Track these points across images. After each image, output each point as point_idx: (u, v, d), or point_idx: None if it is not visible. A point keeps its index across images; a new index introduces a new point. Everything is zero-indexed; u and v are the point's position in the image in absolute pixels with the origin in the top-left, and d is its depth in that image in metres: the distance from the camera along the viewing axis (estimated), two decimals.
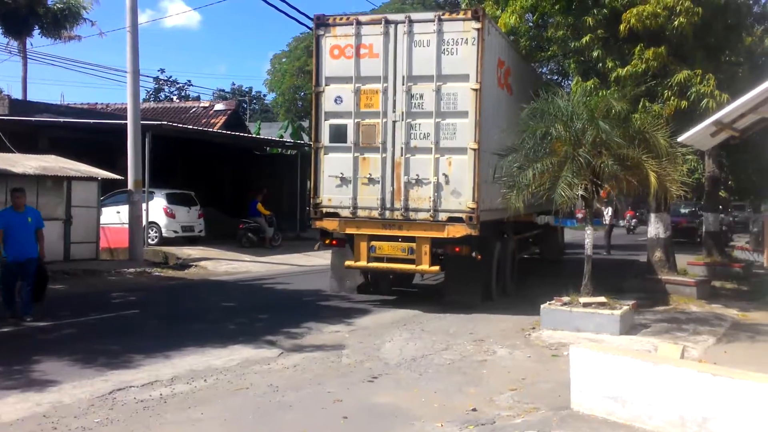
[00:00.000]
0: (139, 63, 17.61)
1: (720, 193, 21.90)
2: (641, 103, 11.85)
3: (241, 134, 28.13)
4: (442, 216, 11.16)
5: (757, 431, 4.85)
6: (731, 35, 13.48)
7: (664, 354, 7.60)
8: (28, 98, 26.90)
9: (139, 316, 11.19)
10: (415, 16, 11.63)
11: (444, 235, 11.13)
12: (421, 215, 11.27)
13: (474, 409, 6.22)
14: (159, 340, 8.82)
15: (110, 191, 19.07)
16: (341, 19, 11.79)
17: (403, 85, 11.33)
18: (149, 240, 19.38)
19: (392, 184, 11.42)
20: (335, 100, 11.67)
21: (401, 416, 6.08)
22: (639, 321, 10.34)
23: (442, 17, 11.20)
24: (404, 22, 11.31)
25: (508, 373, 7.60)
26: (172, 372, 7.33)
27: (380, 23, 11.42)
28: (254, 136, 30.45)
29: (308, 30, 30.10)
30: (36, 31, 28.31)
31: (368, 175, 11.51)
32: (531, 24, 15.18)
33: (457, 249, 11.29)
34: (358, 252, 11.60)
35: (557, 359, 8.15)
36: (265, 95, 57.29)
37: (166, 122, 21.50)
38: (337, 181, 11.64)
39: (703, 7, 11.90)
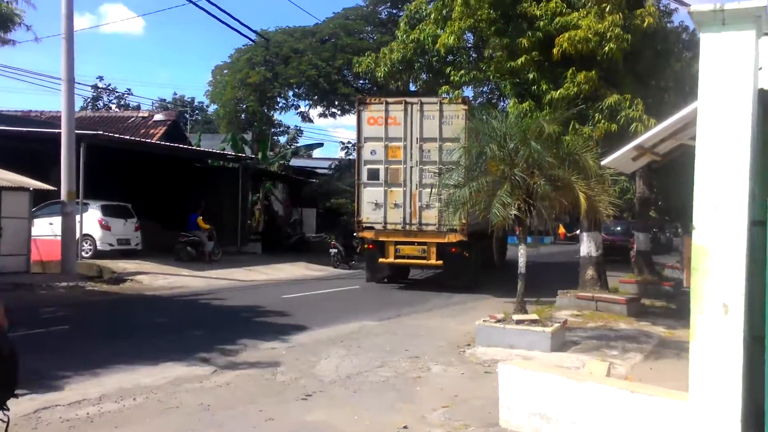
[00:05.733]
0: (74, 71, 17.31)
1: (650, 213, 22.61)
2: (572, 126, 12.21)
3: (181, 146, 27.65)
4: (444, 228, 16.07)
5: None
6: (659, 61, 14.02)
7: (592, 371, 7.81)
8: None
9: (69, 332, 10.91)
10: (425, 100, 16.60)
11: (445, 240, 16.26)
12: (430, 228, 16.46)
13: (405, 427, 6.27)
14: (89, 357, 8.63)
15: (43, 202, 18.55)
16: (375, 100, 17.26)
17: (417, 143, 16.43)
18: (83, 253, 18.91)
19: (410, 208, 16.56)
20: (371, 152, 16.80)
21: None
22: (570, 338, 10.60)
23: (442, 102, 16.03)
24: (417, 104, 16.46)
25: (441, 390, 7.69)
26: (100, 390, 7.17)
27: (401, 104, 16.53)
28: (194, 147, 29.92)
29: (251, 42, 30.04)
30: None
31: (394, 202, 16.65)
32: (470, 45, 15.51)
33: (454, 249, 16.25)
34: (388, 252, 16.78)
35: (490, 376, 8.26)
36: (207, 106, 56.46)
37: (102, 132, 21.07)
38: (373, 206, 16.75)
39: (632, 33, 12.36)
